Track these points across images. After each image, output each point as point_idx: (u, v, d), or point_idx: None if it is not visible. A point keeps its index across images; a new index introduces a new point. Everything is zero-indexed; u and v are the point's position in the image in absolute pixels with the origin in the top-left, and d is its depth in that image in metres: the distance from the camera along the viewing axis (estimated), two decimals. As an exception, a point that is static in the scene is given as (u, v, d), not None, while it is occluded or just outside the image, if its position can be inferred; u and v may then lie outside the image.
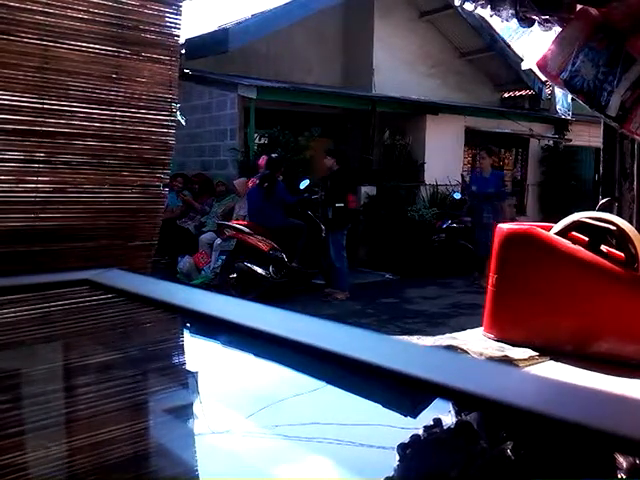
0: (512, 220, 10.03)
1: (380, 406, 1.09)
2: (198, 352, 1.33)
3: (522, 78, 13.73)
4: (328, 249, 8.15)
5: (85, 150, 1.81)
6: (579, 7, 3.33)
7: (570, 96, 3.84)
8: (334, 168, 8.29)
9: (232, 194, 9.58)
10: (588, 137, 13.43)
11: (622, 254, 2.73)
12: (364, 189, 10.74)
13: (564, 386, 0.73)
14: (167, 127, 1.98)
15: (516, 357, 2.56)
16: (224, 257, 8.18)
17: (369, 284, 9.33)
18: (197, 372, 1.24)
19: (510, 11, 3.40)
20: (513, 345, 2.69)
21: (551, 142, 14.00)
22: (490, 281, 2.94)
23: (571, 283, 2.73)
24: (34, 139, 1.71)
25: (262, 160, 8.71)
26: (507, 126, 13.09)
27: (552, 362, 2.55)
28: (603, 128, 3.82)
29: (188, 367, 1.31)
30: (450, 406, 0.95)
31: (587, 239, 2.81)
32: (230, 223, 8.22)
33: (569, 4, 3.34)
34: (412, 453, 0.88)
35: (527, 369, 2.39)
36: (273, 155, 8.69)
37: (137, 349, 1.32)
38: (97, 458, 0.87)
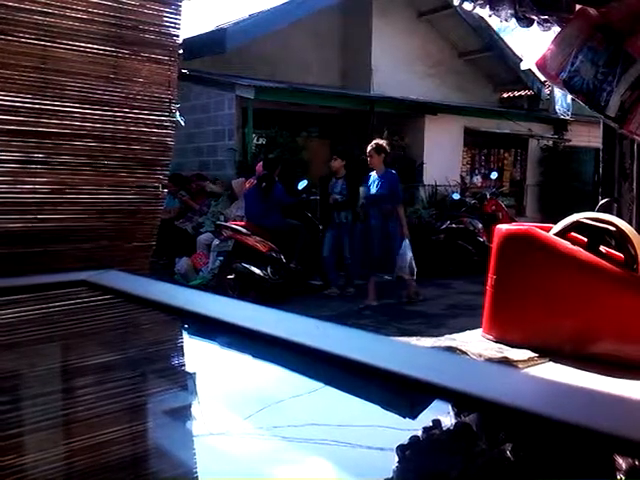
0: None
1: (379, 407, 1.08)
2: (196, 353, 1.33)
3: (521, 78, 13.75)
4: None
5: (83, 151, 1.80)
6: (578, 7, 3.33)
7: (569, 96, 3.83)
8: (342, 172, 8.26)
9: (227, 193, 9.60)
10: (587, 137, 13.45)
11: (621, 255, 2.73)
12: (362, 189, 10.73)
13: (563, 387, 0.73)
14: (166, 128, 1.98)
15: (515, 358, 2.55)
16: (222, 258, 8.17)
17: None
18: (195, 373, 1.24)
19: (509, 11, 3.40)
20: (512, 346, 2.69)
21: (550, 142, 14.01)
22: (489, 282, 2.94)
23: (570, 284, 2.72)
24: (32, 140, 1.70)
25: (259, 166, 8.72)
26: (506, 126, 13.10)
27: (551, 363, 2.55)
28: (603, 128, 3.82)
29: (186, 368, 1.31)
30: (449, 407, 0.95)
31: (586, 240, 2.80)
32: (228, 224, 8.22)
33: (568, 4, 3.34)
34: (411, 454, 0.88)
35: (526, 370, 2.38)
36: (270, 156, 8.68)
37: (134, 350, 1.32)
38: (95, 459, 0.86)
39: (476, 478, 0.87)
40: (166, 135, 1.98)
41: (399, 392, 0.88)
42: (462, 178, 12.57)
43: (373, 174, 7.77)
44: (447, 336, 2.97)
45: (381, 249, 7.57)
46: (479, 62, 14.10)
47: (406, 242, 7.54)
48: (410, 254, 7.50)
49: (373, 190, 7.67)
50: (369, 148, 7.74)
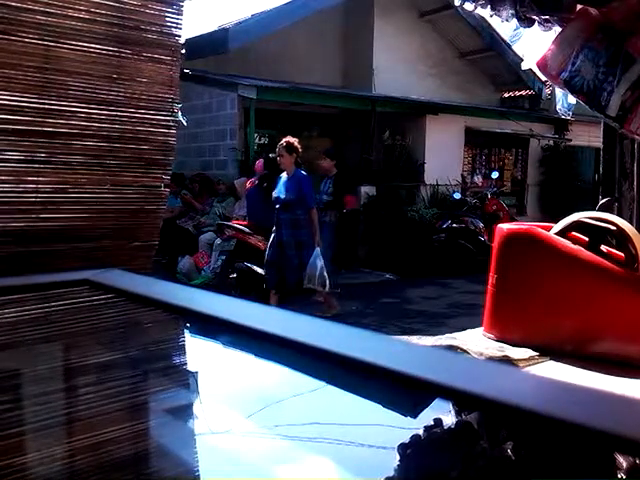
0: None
1: (380, 406, 1.09)
2: (198, 352, 1.33)
3: (522, 78, 13.73)
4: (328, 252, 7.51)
5: (86, 150, 1.80)
6: (579, 7, 3.33)
7: (570, 96, 3.84)
8: (332, 171, 8.20)
9: (232, 194, 9.60)
10: (588, 137, 13.45)
11: (622, 254, 2.73)
12: (364, 189, 10.74)
13: (564, 386, 0.73)
14: (168, 127, 1.98)
15: (516, 357, 2.56)
16: (224, 257, 8.18)
17: (369, 284, 9.33)
18: (197, 372, 1.24)
19: (510, 11, 3.40)
20: (513, 345, 2.69)
21: (551, 142, 14.01)
22: (490, 281, 2.94)
23: (571, 283, 2.72)
24: (35, 139, 1.71)
25: (259, 163, 8.72)
26: (507, 126, 13.10)
27: (552, 362, 2.55)
28: (603, 128, 3.82)
29: (188, 367, 1.31)
30: (450, 406, 0.95)
31: (587, 239, 2.80)
32: (230, 223, 8.22)
33: (569, 4, 3.34)
34: (412, 453, 0.88)
35: (527, 369, 2.39)
36: (270, 155, 8.69)
37: (137, 349, 1.32)
38: (97, 458, 0.87)
39: (477, 477, 0.87)
40: (168, 135, 1.98)
41: (400, 391, 0.89)
42: (463, 178, 12.57)
43: (283, 175, 6.87)
44: (448, 335, 2.97)
45: (293, 259, 6.69)
46: (480, 62, 14.09)
47: (317, 251, 6.68)
48: (320, 264, 6.65)
49: (282, 194, 6.74)
50: (279, 146, 6.85)
